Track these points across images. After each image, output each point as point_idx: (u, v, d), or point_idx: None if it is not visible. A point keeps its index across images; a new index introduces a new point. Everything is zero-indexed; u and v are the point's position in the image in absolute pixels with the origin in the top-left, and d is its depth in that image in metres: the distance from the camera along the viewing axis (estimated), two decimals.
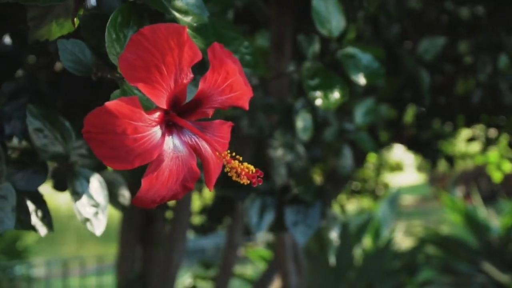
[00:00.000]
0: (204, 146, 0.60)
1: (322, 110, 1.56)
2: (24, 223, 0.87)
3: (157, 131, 0.56)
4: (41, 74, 1.13)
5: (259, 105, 1.36)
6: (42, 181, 0.88)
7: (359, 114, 1.52)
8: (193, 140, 0.60)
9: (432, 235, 3.93)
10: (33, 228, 0.88)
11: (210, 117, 0.61)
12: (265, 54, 1.37)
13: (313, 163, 1.54)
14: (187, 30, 0.65)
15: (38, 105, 0.84)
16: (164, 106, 0.56)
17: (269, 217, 1.46)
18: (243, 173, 0.57)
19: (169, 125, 0.58)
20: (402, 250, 3.86)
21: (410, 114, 2.45)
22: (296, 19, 1.64)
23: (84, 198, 0.87)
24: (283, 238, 1.97)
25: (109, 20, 0.61)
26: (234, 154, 0.61)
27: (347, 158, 1.60)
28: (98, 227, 0.88)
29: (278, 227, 1.52)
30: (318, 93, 0.94)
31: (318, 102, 0.94)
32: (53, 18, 0.70)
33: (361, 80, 1.00)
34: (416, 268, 3.61)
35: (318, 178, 2.89)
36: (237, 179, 0.58)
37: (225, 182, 1.61)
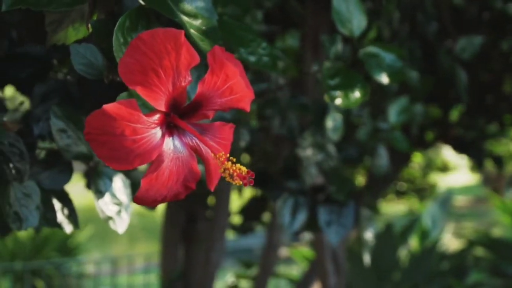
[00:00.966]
0: (205, 147, 0.62)
1: (356, 110, 1.56)
2: (50, 221, 0.91)
3: (156, 132, 0.57)
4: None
5: (290, 105, 1.36)
6: (67, 180, 0.92)
7: (393, 113, 1.50)
8: (194, 141, 0.61)
9: (481, 237, 3.85)
10: (59, 226, 0.92)
11: (210, 118, 0.63)
12: (295, 54, 1.38)
13: (346, 162, 1.54)
14: (194, 33, 0.67)
15: (63, 107, 0.87)
16: (163, 109, 0.57)
17: (301, 217, 1.46)
18: (235, 174, 0.58)
19: (170, 127, 0.60)
20: (451, 252, 3.79)
21: (456, 113, 2.41)
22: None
23: (107, 197, 0.90)
24: (321, 238, 1.97)
25: (117, 25, 0.63)
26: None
27: (382, 157, 1.59)
28: (121, 225, 0.90)
29: (311, 227, 1.52)
30: (338, 93, 0.95)
31: (338, 101, 0.94)
32: (70, 23, 0.73)
33: (384, 79, 1.00)
34: (465, 270, 3.54)
35: (361, 178, 2.88)
36: (230, 180, 0.59)
37: (259, 181, 1.62)
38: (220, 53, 0.61)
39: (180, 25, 0.66)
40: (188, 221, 2.32)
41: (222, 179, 0.63)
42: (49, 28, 0.73)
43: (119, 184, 0.92)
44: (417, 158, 3.60)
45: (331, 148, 1.39)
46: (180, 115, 0.60)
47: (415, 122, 1.66)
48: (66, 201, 0.93)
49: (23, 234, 4.68)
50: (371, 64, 0.99)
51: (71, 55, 0.66)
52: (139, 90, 0.55)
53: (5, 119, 0.84)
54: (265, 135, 1.39)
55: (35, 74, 1.04)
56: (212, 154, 0.59)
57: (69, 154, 0.86)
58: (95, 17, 0.71)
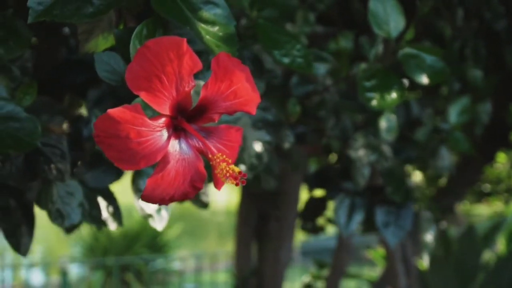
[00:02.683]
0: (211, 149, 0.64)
1: (417, 110, 1.54)
2: (96, 219, 0.96)
3: (161, 135, 0.60)
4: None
5: (344, 106, 1.36)
6: (112, 180, 0.97)
7: (454, 113, 1.47)
8: (200, 144, 0.64)
9: None
10: (103, 223, 0.97)
11: (216, 122, 0.65)
12: (348, 55, 1.38)
13: (405, 163, 1.52)
14: (210, 39, 0.69)
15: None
16: (167, 113, 0.61)
17: (358, 218, 1.46)
18: (228, 174, 0.60)
19: (178, 130, 0.63)
20: None
21: None
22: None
23: None
24: None
25: (134, 33, 0.67)
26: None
27: (444, 159, 1.56)
28: (160, 222, 0.95)
29: (368, 227, 1.52)
30: (373, 94, 0.95)
31: (374, 103, 0.95)
32: (100, 32, 0.77)
33: (424, 80, 0.99)
34: None
35: (443, 181, 2.81)
36: (224, 180, 0.61)
37: (317, 181, 1.63)
38: (225, 59, 0.63)
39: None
40: (260, 221, 2.35)
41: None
42: (81, 37, 0.78)
43: None
44: (501, 159, 3.46)
45: (386, 149, 1.38)
46: (187, 119, 0.64)
47: (480, 122, 1.62)
48: (111, 199, 0.98)
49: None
50: (410, 65, 0.99)
51: (95, 62, 0.71)
52: (143, 96, 0.58)
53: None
54: (319, 136, 1.39)
55: (90, 79, 1.10)
56: (212, 155, 0.62)
57: None
58: (121, 27, 0.75)
